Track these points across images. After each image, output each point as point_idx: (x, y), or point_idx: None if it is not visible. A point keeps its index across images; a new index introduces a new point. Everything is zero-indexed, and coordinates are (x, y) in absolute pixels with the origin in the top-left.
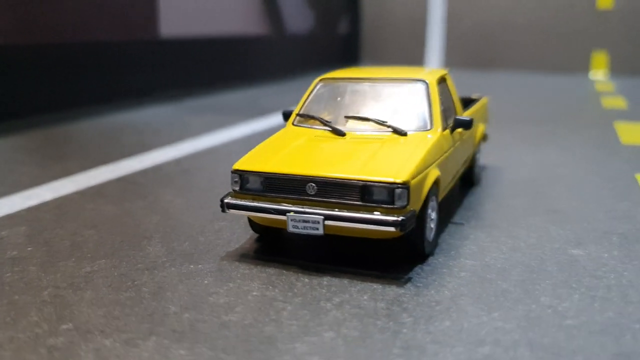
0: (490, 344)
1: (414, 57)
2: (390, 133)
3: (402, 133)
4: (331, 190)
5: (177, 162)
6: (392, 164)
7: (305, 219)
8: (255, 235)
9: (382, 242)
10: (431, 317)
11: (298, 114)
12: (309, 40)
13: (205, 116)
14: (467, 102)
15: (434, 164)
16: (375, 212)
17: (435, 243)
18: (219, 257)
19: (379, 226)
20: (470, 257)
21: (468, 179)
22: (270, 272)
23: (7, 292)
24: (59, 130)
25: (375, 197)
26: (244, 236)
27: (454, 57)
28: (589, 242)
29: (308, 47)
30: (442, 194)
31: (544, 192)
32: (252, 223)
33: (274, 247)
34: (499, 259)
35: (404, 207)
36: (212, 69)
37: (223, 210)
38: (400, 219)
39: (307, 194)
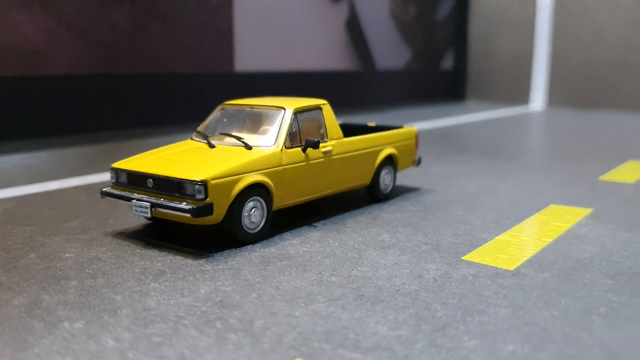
0: (187, 297)
1: (519, 94)
2: (242, 147)
3: (248, 147)
4: (161, 185)
5: None
6: (208, 167)
7: (141, 205)
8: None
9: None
10: (184, 277)
11: (196, 131)
12: (405, 76)
13: None
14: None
15: (257, 172)
16: (183, 203)
17: (261, 235)
18: (103, 233)
19: (178, 212)
20: (280, 247)
21: (372, 195)
22: (122, 244)
23: None
24: (127, 144)
25: (187, 192)
26: (145, 222)
27: (560, 94)
28: (390, 246)
29: (405, 82)
30: (289, 199)
31: (434, 213)
32: None
33: (158, 231)
34: (298, 250)
35: (203, 200)
36: None
37: (102, 197)
38: (191, 207)
39: (148, 187)
